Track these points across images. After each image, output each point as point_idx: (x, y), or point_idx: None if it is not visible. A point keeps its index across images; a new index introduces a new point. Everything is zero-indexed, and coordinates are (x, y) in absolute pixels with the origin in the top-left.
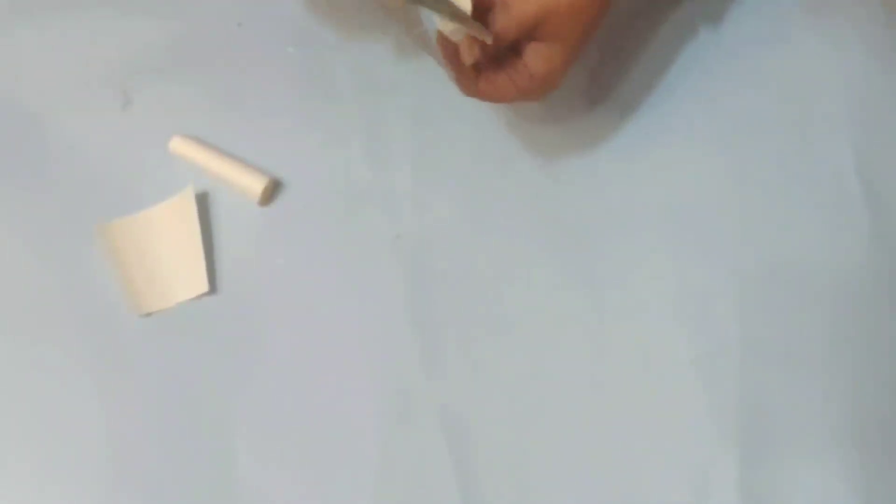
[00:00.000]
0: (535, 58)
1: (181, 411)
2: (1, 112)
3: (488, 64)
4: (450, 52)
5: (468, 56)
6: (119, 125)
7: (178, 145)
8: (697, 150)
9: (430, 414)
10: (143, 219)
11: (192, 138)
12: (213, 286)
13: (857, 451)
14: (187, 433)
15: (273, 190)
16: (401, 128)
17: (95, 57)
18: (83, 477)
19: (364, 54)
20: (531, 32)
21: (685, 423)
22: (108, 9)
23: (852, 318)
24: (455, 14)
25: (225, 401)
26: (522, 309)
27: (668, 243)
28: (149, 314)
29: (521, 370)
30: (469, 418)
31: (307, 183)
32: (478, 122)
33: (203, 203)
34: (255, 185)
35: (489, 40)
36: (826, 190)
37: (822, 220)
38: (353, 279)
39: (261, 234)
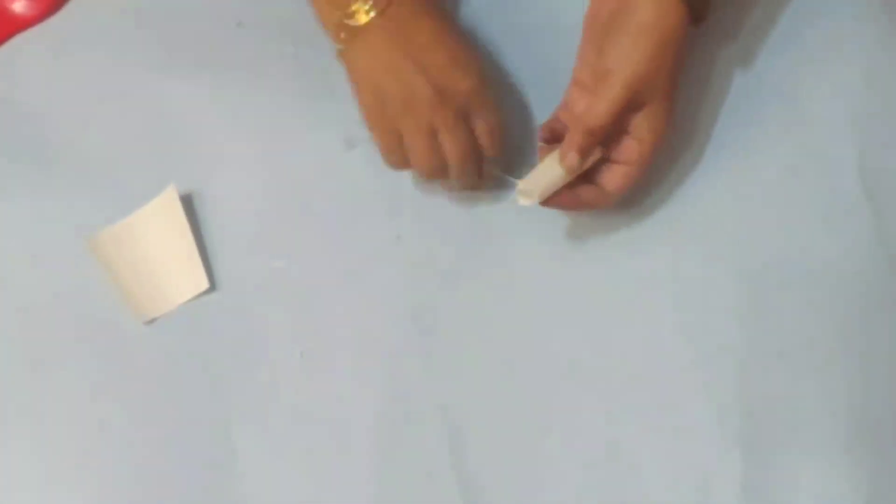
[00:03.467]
0: (641, 127)
1: (182, 412)
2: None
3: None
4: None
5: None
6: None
7: None
8: (697, 150)
9: (430, 414)
10: (130, 224)
11: None
12: (212, 283)
13: (857, 450)
14: (188, 433)
15: None
16: None
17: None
18: (84, 477)
19: None
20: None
21: (686, 424)
22: (107, 8)
23: (852, 318)
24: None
25: (225, 401)
26: (522, 309)
27: (668, 243)
28: (153, 320)
29: (521, 371)
30: (469, 418)
31: (306, 182)
32: None
33: (189, 203)
34: None
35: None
36: (826, 190)
37: (823, 220)
38: (354, 279)
39: (259, 232)
